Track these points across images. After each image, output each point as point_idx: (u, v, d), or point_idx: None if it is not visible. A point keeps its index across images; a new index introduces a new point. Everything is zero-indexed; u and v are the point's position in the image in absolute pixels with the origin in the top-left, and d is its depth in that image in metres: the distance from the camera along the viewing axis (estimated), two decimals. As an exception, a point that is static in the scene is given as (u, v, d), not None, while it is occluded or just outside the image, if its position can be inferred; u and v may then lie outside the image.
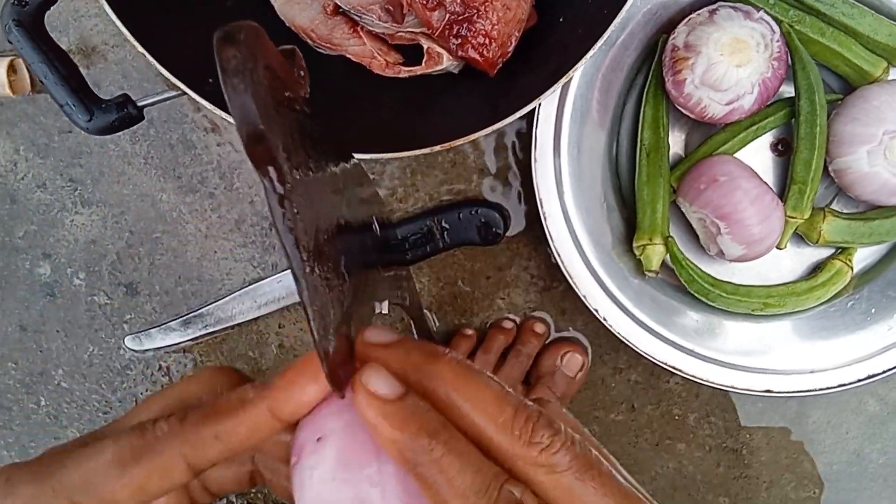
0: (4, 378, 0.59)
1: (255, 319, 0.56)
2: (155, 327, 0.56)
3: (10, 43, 0.39)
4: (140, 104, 0.41)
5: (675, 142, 0.50)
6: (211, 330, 0.56)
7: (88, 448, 0.19)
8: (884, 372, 0.48)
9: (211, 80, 0.41)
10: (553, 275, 0.55)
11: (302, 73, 0.26)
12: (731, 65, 0.43)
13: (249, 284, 0.56)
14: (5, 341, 0.58)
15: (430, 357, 0.19)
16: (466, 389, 0.19)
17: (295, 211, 0.19)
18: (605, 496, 0.18)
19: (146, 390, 0.58)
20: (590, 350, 0.56)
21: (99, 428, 0.21)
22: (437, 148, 0.40)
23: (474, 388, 0.19)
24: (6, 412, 0.59)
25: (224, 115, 0.40)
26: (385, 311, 0.25)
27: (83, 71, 0.40)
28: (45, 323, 0.57)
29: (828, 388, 0.49)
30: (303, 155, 0.22)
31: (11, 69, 0.51)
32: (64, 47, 0.40)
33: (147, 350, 0.57)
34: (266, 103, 0.19)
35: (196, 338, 0.57)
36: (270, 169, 0.19)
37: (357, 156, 0.41)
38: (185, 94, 0.40)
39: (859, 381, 0.48)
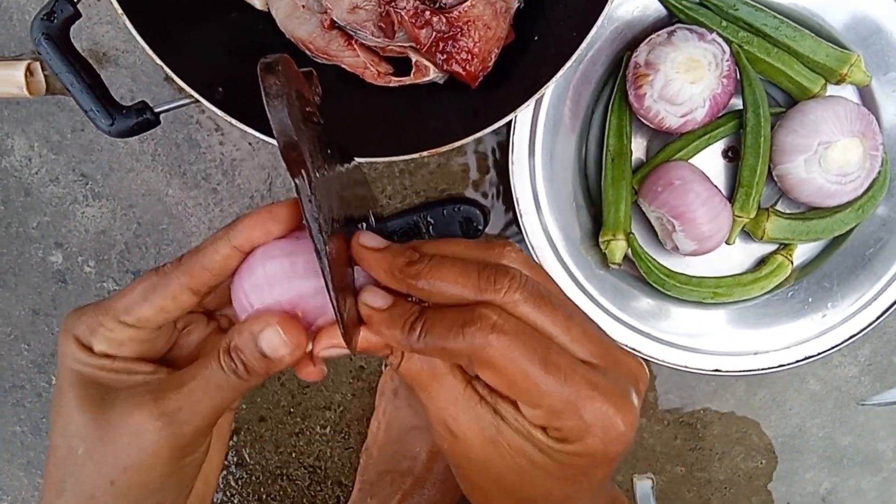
0: (18, 359, 0.63)
1: (255, 305, 0.61)
2: (161, 312, 0.61)
3: (40, 54, 0.43)
4: (157, 110, 0.45)
5: (638, 148, 0.55)
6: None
7: (127, 287, 0.28)
8: (818, 354, 0.54)
9: (220, 90, 0.45)
10: (528, 266, 0.60)
11: (317, 89, 0.31)
12: (685, 81, 0.48)
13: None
14: (18, 324, 0.62)
15: (411, 259, 0.26)
16: (440, 273, 0.25)
17: (319, 204, 0.25)
18: (553, 315, 0.24)
19: (152, 370, 0.63)
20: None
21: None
22: (425, 154, 0.45)
23: (445, 270, 0.25)
24: (19, 390, 0.64)
25: (229, 118, 0.44)
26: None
27: (98, 72, 0.44)
28: (57, 308, 0.62)
29: (770, 368, 0.55)
30: (320, 159, 0.27)
31: (29, 72, 0.55)
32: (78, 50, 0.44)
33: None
34: (297, 119, 0.24)
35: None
36: (302, 171, 0.24)
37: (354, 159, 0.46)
38: (197, 101, 0.44)
39: (797, 361, 0.55)
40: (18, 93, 0.55)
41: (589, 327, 0.25)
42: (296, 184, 0.24)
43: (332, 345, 0.26)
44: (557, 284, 0.27)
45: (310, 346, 0.29)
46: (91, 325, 0.27)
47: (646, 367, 0.27)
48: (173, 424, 0.26)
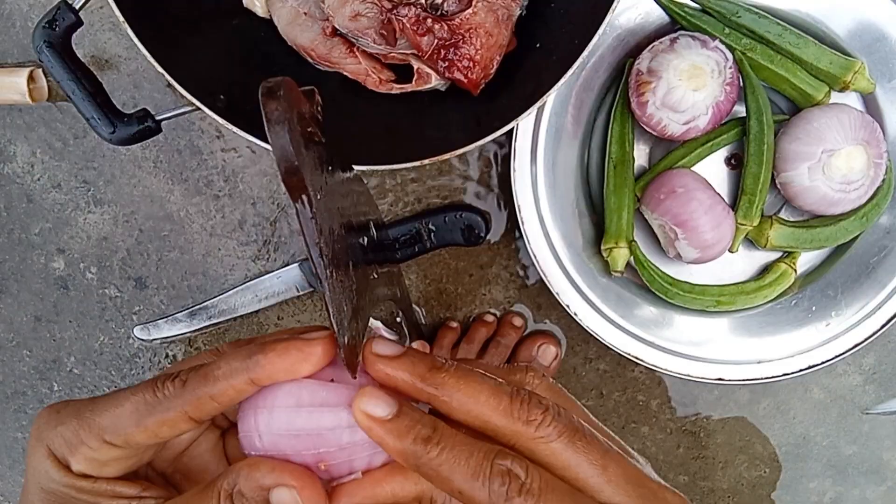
0: (20, 365, 0.63)
1: (256, 312, 0.61)
2: (162, 318, 0.61)
3: (42, 62, 0.44)
4: (158, 118, 0.45)
5: (640, 155, 0.55)
6: (214, 321, 0.61)
7: (116, 397, 0.24)
8: (823, 363, 0.54)
9: (222, 97, 0.45)
10: (530, 273, 0.60)
11: (319, 108, 0.31)
12: (688, 89, 0.48)
13: (251, 280, 0.60)
14: (20, 331, 0.62)
15: (434, 367, 0.23)
16: (468, 389, 0.22)
17: (320, 228, 0.24)
18: (588, 453, 0.22)
19: (153, 377, 0.63)
20: (563, 342, 0.61)
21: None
22: (427, 162, 0.45)
23: (474, 386, 0.22)
24: (21, 396, 0.64)
25: (230, 126, 0.44)
26: (375, 325, 0.28)
27: (100, 80, 0.44)
28: (59, 314, 0.62)
29: (774, 377, 0.54)
30: (321, 177, 0.27)
31: (31, 79, 0.55)
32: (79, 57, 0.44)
33: (154, 340, 0.62)
34: (298, 143, 0.24)
35: (201, 328, 0.61)
36: (303, 196, 0.24)
37: (355, 167, 0.46)
38: (198, 109, 0.44)
39: (801, 370, 0.54)
40: (21, 100, 0.55)
41: (628, 464, 0.23)
42: (297, 209, 0.23)
43: (356, 502, 0.24)
44: (586, 411, 0.25)
45: None
46: (69, 440, 0.24)
47: (687, 501, 0.24)
48: None
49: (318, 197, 0.25)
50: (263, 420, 0.25)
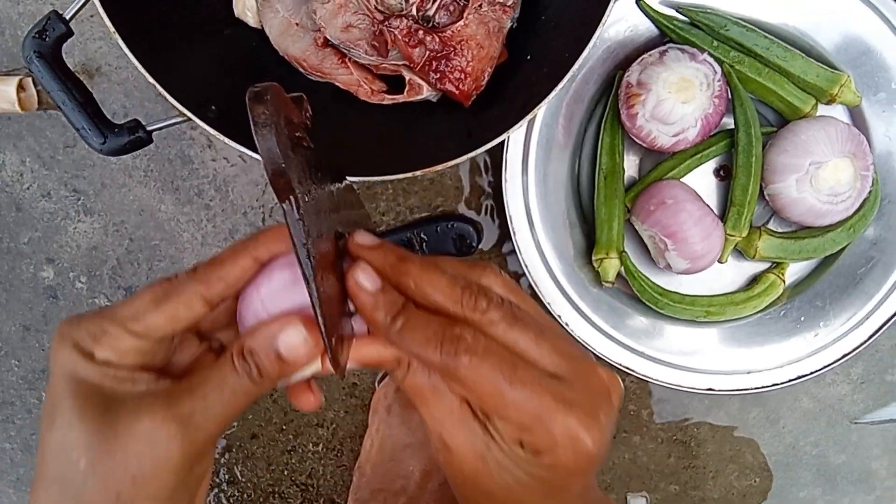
0: (7, 375, 0.62)
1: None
2: (152, 328, 0.60)
3: (32, 72, 0.43)
4: (149, 129, 0.45)
5: (630, 166, 0.55)
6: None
7: (134, 295, 0.27)
8: (811, 373, 0.54)
9: (213, 108, 0.45)
10: (521, 283, 0.60)
11: (308, 114, 0.31)
12: (677, 101, 0.49)
13: (241, 289, 0.60)
14: (9, 340, 0.62)
15: (403, 258, 0.27)
16: (428, 278, 0.27)
17: (307, 229, 0.25)
18: (525, 333, 0.26)
19: (143, 387, 0.62)
20: (554, 351, 0.61)
21: None
22: (419, 173, 0.45)
23: (434, 277, 0.27)
24: (8, 407, 0.63)
25: (221, 136, 0.44)
26: (353, 329, 0.30)
27: (90, 91, 0.44)
28: (48, 323, 0.61)
29: (763, 387, 0.55)
30: (310, 183, 0.27)
31: (20, 87, 0.55)
32: (70, 67, 0.44)
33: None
34: (285, 146, 0.24)
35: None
36: (291, 198, 0.24)
37: (347, 178, 0.46)
38: (189, 120, 0.44)
39: (790, 381, 0.55)
40: (10, 108, 0.55)
41: (560, 342, 0.27)
42: (283, 209, 0.24)
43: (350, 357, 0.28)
44: (533, 303, 0.29)
45: (308, 371, 0.29)
46: (93, 331, 0.26)
47: (619, 379, 0.28)
48: (187, 429, 0.25)
49: (307, 200, 0.25)
50: (265, 285, 0.28)
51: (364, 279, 0.27)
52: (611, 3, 0.41)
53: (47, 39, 0.43)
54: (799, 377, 0.54)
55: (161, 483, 0.25)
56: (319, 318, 0.24)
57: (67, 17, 0.44)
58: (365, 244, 0.28)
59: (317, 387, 0.30)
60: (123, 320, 0.27)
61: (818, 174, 0.49)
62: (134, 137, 0.44)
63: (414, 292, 0.27)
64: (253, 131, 0.23)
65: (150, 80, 0.43)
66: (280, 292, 0.27)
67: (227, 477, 0.63)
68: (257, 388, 0.26)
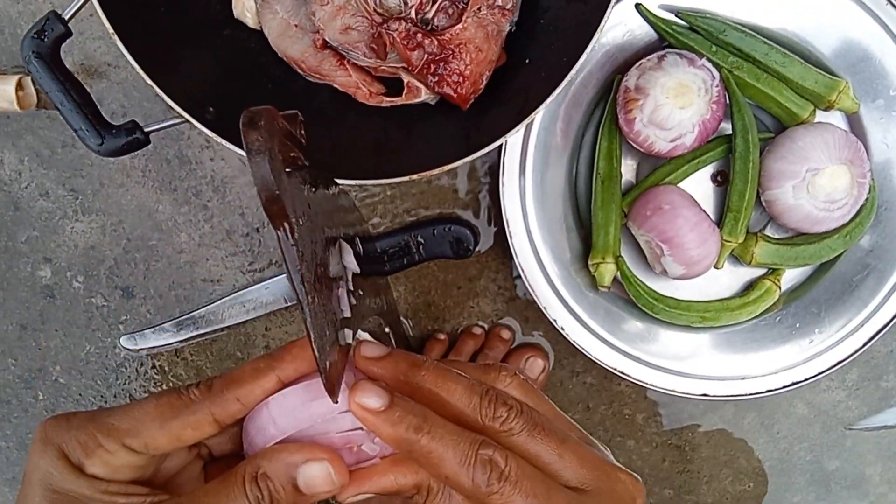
0: (4, 373, 0.62)
1: (243, 323, 0.61)
2: (149, 328, 0.60)
3: (30, 72, 0.43)
4: (147, 130, 0.45)
5: (627, 170, 0.55)
6: (202, 332, 0.61)
7: (134, 405, 0.25)
8: (806, 380, 0.54)
9: (211, 109, 0.45)
10: (518, 287, 0.60)
11: (303, 132, 0.31)
12: (675, 107, 0.49)
13: (239, 290, 0.60)
14: (5, 339, 0.62)
15: (415, 365, 0.26)
16: (445, 386, 0.25)
17: (301, 254, 0.24)
18: (547, 443, 0.25)
19: (139, 387, 0.62)
20: (551, 355, 0.61)
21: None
22: (415, 177, 0.45)
23: (450, 385, 0.25)
24: (5, 405, 0.63)
25: (219, 139, 0.44)
26: (351, 341, 0.29)
27: (88, 91, 0.44)
28: (45, 322, 0.61)
29: (758, 393, 0.55)
30: (304, 203, 0.27)
31: (19, 86, 0.55)
32: (69, 66, 0.44)
33: (141, 349, 0.61)
34: (280, 171, 0.24)
35: (187, 339, 0.61)
36: (284, 224, 0.24)
37: (342, 182, 0.46)
38: (187, 121, 0.44)
39: (785, 387, 0.55)
40: (9, 107, 0.55)
41: (582, 450, 0.26)
42: (278, 236, 0.24)
43: (365, 489, 0.26)
44: (551, 404, 0.28)
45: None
46: (85, 442, 0.24)
47: (641, 483, 0.27)
48: None
49: (301, 222, 0.25)
50: (276, 400, 0.26)
51: (367, 399, 0.24)
52: (609, 8, 0.41)
53: (46, 40, 0.43)
54: (794, 383, 0.55)
55: None
56: (314, 345, 0.24)
57: (66, 18, 0.44)
58: (372, 356, 0.26)
59: None
60: (121, 434, 0.25)
61: (815, 181, 0.49)
62: (131, 139, 0.44)
63: (430, 404, 0.25)
64: (247, 158, 0.23)
65: (149, 81, 0.43)
66: (293, 409, 0.26)
67: (222, 477, 0.63)
68: None
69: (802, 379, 0.54)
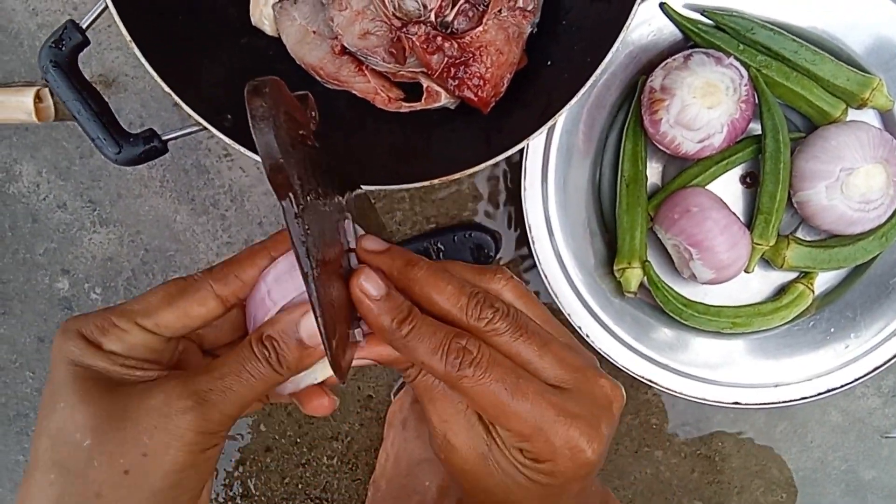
0: (22, 386, 0.62)
1: (262, 332, 0.60)
2: (167, 339, 0.60)
3: (48, 81, 0.43)
4: (165, 138, 0.44)
5: (653, 173, 0.54)
6: (220, 342, 0.60)
7: (145, 293, 0.27)
8: (842, 386, 0.53)
9: (229, 117, 0.45)
10: (541, 293, 0.59)
11: (314, 113, 0.30)
12: (702, 107, 0.47)
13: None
14: (23, 351, 0.61)
15: (410, 263, 0.27)
16: (436, 285, 0.27)
17: (307, 227, 0.24)
18: (529, 344, 0.27)
19: (157, 398, 0.62)
20: (574, 363, 0.60)
21: None
22: (436, 182, 0.44)
23: (440, 284, 0.27)
24: (24, 418, 0.63)
25: (237, 145, 0.43)
26: (360, 339, 0.29)
27: (106, 101, 0.44)
28: (63, 334, 0.61)
29: (791, 401, 0.53)
30: (314, 182, 0.26)
31: (38, 98, 0.55)
32: (87, 77, 0.44)
33: None
34: (284, 141, 0.23)
35: (205, 349, 0.60)
36: (290, 195, 0.23)
37: (363, 187, 0.45)
38: (205, 129, 0.44)
39: (819, 394, 0.53)
40: (27, 119, 0.55)
41: (563, 352, 0.27)
42: (282, 206, 0.23)
43: (363, 355, 0.28)
44: (543, 309, 0.29)
45: (319, 374, 0.28)
46: (102, 325, 0.26)
47: (621, 388, 0.29)
48: (203, 405, 0.24)
49: (308, 199, 0.24)
50: (270, 272, 0.27)
51: (368, 285, 0.27)
52: (634, 7, 0.40)
53: (63, 49, 0.43)
54: (828, 390, 0.53)
55: (172, 459, 0.24)
56: (318, 318, 0.24)
57: (84, 27, 0.43)
58: (372, 249, 0.28)
59: (330, 391, 0.30)
60: (133, 315, 0.26)
61: (849, 181, 0.48)
62: (149, 147, 0.44)
63: (420, 298, 0.27)
64: (250, 125, 0.22)
65: (167, 88, 0.43)
66: (285, 276, 0.27)
67: (240, 490, 0.62)
68: (275, 376, 0.26)
69: (838, 386, 0.53)
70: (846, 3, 0.50)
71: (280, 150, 0.23)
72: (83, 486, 0.24)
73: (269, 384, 0.26)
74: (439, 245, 0.57)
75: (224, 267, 0.28)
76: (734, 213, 0.50)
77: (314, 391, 0.29)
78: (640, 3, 0.40)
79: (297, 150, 0.25)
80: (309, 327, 0.26)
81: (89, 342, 0.26)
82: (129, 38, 0.42)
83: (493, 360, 0.26)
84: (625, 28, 0.41)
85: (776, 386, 0.53)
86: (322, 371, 0.29)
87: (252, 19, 0.50)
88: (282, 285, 0.27)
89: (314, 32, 0.49)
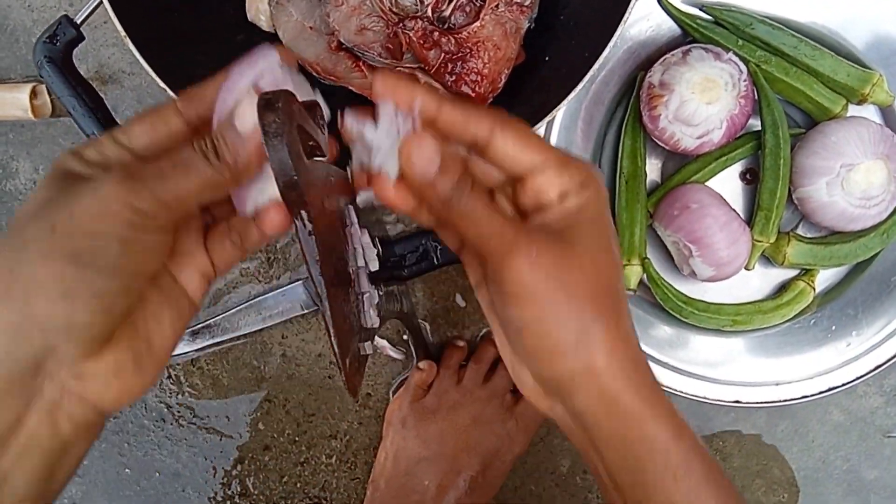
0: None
1: (260, 331, 0.60)
2: (164, 337, 0.59)
3: (42, 77, 0.43)
4: (160, 134, 0.44)
5: (652, 169, 0.53)
6: (218, 340, 0.60)
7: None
8: (843, 385, 0.52)
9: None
10: (539, 291, 0.59)
11: (323, 122, 0.30)
12: (701, 102, 0.47)
13: (254, 298, 0.59)
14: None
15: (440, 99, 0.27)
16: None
17: (319, 244, 0.23)
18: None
19: (154, 397, 0.62)
20: (574, 361, 0.60)
21: None
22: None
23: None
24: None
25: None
26: (370, 352, 0.29)
27: (101, 96, 0.44)
28: (60, 332, 0.61)
29: (792, 400, 0.53)
30: (322, 194, 0.26)
31: (34, 94, 0.55)
32: (83, 74, 0.43)
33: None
34: (298, 156, 0.23)
35: (203, 348, 0.60)
36: (302, 212, 0.23)
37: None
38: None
39: (821, 393, 0.52)
40: (23, 115, 0.54)
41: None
42: (295, 224, 0.23)
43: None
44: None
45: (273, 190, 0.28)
46: (89, 143, 0.28)
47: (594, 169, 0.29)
48: (134, 182, 0.25)
49: (319, 212, 0.24)
50: (224, 87, 0.27)
51: (427, 154, 0.26)
52: (632, 2, 0.40)
53: (58, 44, 0.43)
54: (830, 389, 0.52)
55: (96, 224, 0.25)
56: (333, 339, 0.23)
57: (78, 22, 0.43)
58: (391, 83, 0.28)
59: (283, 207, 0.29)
60: (111, 133, 0.28)
61: (850, 177, 0.47)
62: (145, 143, 0.44)
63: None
64: (264, 141, 0.22)
65: (162, 84, 0.42)
66: (235, 77, 0.27)
67: (238, 489, 0.62)
68: (214, 174, 0.26)
69: (839, 384, 0.52)
70: (846, -2, 0.49)
71: (294, 166, 0.22)
72: (16, 238, 0.25)
73: (210, 182, 0.26)
74: (436, 243, 0.57)
75: (189, 89, 0.29)
76: (734, 210, 0.50)
77: (273, 207, 0.28)
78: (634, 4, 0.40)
79: (309, 163, 0.25)
80: (241, 112, 0.25)
81: (74, 153, 0.27)
82: (123, 33, 0.42)
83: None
84: (622, 23, 0.41)
85: (777, 384, 0.52)
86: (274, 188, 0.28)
87: (248, 15, 0.50)
88: (232, 86, 0.27)
89: (311, 28, 0.49)
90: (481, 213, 0.26)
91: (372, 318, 0.32)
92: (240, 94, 0.27)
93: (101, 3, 0.43)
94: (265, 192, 0.28)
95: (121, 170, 0.25)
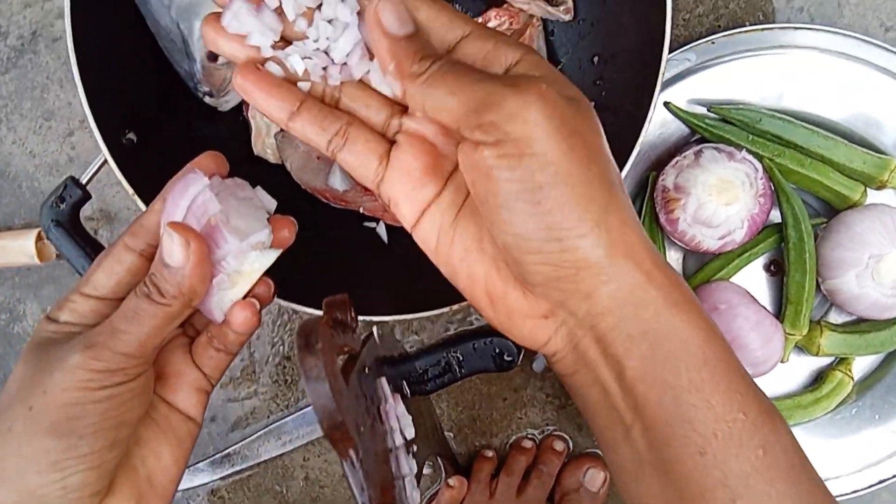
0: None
1: (280, 455, 0.58)
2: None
3: (50, 240, 0.42)
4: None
5: (672, 265, 0.52)
6: (238, 468, 0.58)
7: None
8: (894, 476, 0.50)
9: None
10: (568, 393, 0.57)
11: (354, 316, 0.29)
12: (719, 204, 0.46)
13: (273, 422, 0.57)
14: None
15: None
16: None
17: (367, 472, 0.22)
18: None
19: (177, 534, 0.59)
20: (608, 462, 0.57)
21: None
22: (456, 307, 0.43)
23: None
24: None
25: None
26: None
27: (106, 233, 0.43)
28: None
29: (842, 495, 0.50)
30: (362, 409, 0.25)
31: (39, 237, 0.54)
32: (87, 213, 0.42)
33: (177, 492, 0.58)
34: (339, 391, 0.22)
35: (224, 477, 0.58)
36: (350, 450, 0.22)
37: (377, 318, 0.44)
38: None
39: (871, 486, 0.50)
40: (29, 262, 0.54)
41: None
42: (343, 464, 0.21)
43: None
44: None
45: (233, 290, 0.28)
46: (59, 302, 0.29)
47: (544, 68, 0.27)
48: (94, 348, 0.26)
49: (362, 429, 0.23)
50: (163, 215, 0.28)
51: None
52: (645, 125, 0.40)
53: (65, 206, 0.42)
54: (880, 482, 0.50)
55: (67, 395, 0.26)
56: None
57: (84, 182, 0.43)
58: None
59: (255, 305, 0.29)
60: (78, 287, 0.29)
61: (879, 267, 0.46)
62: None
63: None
64: (304, 384, 0.21)
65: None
66: (170, 207, 0.28)
67: None
68: (164, 309, 0.26)
69: (889, 476, 0.50)
70: (849, 95, 0.49)
71: (337, 405, 0.21)
72: (2, 424, 0.26)
73: (165, 317, 0.27)
74: (459, 355, 0.55)
75: (132, 223, 0.29)
76: (763, 307, 0.48)
77: (237, 307, 0.29)
78: (649, 122, 0.39)
79: (348, 383, 0.24)
80: (166, 248, 0.26)
81: (50, 319, 0.29)
82: (131, 191, 0.42)
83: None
84: (637, 144, 0.40)
85: (826, 480, 0.50)
86: (241, 286, 0.28)
87: (254, 150, 0.49)
88: (171, 219, 0.28)
89: (318, 158, 0.49)
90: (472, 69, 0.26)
91: (415, 500, 0.30)
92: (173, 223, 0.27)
93: (105, 161, 0.43)
94: (225, 297, 0.28)
95: (83, 339, 0.27)
